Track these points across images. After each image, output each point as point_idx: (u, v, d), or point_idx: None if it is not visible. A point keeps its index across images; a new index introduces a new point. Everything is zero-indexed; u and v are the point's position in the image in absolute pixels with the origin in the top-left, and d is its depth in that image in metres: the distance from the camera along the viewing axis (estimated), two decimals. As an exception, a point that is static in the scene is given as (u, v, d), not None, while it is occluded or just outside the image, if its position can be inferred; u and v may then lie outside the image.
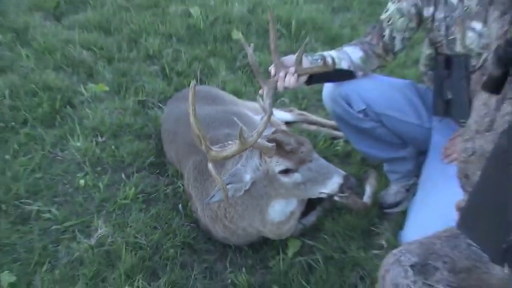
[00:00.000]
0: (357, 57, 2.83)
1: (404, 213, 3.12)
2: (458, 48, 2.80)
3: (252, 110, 3.57)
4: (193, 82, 2.28)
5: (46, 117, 3.77)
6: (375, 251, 2.94)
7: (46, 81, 4.03)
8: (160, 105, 3.96)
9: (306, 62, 2.65)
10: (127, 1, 5.29)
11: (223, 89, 4.04)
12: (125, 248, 2.90)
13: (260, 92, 2.65)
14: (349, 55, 2.81)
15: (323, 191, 2.56)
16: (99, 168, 3.44)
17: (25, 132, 3.62)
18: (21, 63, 4.28)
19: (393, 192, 3.24)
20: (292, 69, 2.56)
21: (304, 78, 2.65)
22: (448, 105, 2.84)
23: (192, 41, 4.74)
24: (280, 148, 2.49)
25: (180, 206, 3.19)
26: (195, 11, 5.03)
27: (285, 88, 2.61)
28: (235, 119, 2.74)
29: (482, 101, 2.03)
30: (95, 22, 4.88)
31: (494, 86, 1.80)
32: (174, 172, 3.38)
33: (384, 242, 2.99)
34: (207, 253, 2.96)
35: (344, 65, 2.78)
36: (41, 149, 3.53)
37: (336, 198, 2.62)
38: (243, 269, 2.85)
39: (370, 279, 2.80)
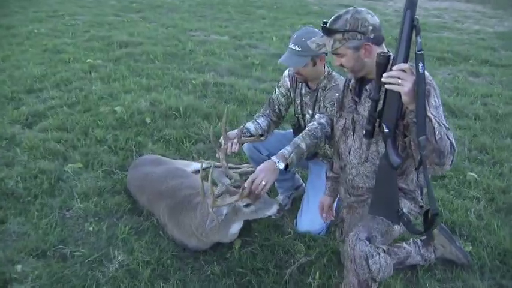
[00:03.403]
0: (265, 125, 2.94)
1: (292, 211, 3.23)
2: (302, 122, 3.01)
3: (182, 165, 3.54)
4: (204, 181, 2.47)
5: (48, 190, 3.42)
6: (286, 236, 2.96)
7: (41, 167, 3.67)
8: (117, 171, 3.72)
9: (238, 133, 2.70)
10: (70, 109, 4.88)
11: (154, 154, 3.89)
12: (140, 265, 2.68)
13: (217, 155, 2.67)
14: (260, 125, 2.91)
15: (267, 213, 2.63)
16: (97, 218, 3.14)
17: (39, 202, 3.27)
18: (19, 158, 3.83)
19: (281, 199, 3.30)
20: (235, 141, 2.62)
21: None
22: None
23: (122, 127, 4.48)
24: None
25: (161, 232, 2.97)
26: (118, 109, 4.77)
27: (232, 152, 2.65)
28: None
29: (356, 146, 2.24)
30: (56, 126, 4.43)
31: (370, 135, 2.01)
32: (147, 212, 3.16)
33: (290, 230, 3.01)
34: (187, 258, 2.79)
35: (259, 132, 2.86)
36: (53, 212, 3.16)
37: (273, 216, 2.67)
38: (214, 262, 2.74)
39: (288, 253, 2.83)
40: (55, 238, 2.92)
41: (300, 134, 2.48)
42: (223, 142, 2.62)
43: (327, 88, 2.79)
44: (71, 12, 10.67)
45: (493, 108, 5.21)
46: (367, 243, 2.00)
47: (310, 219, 2.94)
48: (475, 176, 3.68)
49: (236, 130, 2.73)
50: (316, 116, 2.60)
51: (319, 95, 2.85)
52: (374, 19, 2.05)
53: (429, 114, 1.81)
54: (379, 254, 2.01)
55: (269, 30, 9.38)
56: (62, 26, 9.19)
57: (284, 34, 8.81)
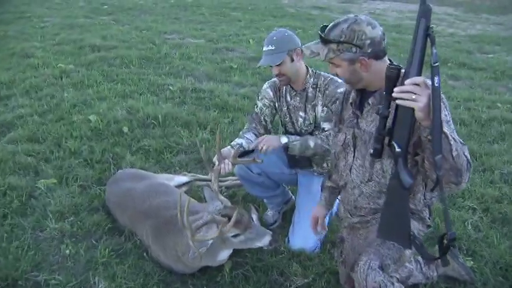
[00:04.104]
0: (253, 139, 2.77)
1: (284, 227, 3.06)
2: (291, 130, 2.86)
3: (165, 179, 3.32)
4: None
5: (19, 209, 3.15)
6: (280, 256, 2.76)
7: (10, 183, 3.38)
8: (94, 186, 3.46)
9: (230, 151, 2.55)
10: (41, 118, 4.58)
11: (133, 167, 3.67)
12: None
13: (209, 176, 2.48)
14: (250, 140, 2.76)
15: (258, 244, 2.43)
16: (74, 239, 2.89)
17: (8, 223, 2.99)
18: (-15, 174, 3.52)
19: (271, 215, 3.14)
20: (227, 161, 2.46)
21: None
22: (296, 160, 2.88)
23: (97, 138, 4.20)
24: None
25: (144, 254, 2.74)
26: (92, 117, 4.47)
27: (225, 173, 2.48)
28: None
29: (359, 164, 2.07)
30: (26, 136, 4.12)
31: (379, 155, 1.85)
32: (128, 232, 2.92)
33: (283, 249, 2.81)
34: (174, 283, 2.57)
35: (250, 147, 2.69)
36: (25, 233, 2.90)
37: (265, 248, 2.46)
38: (204, 287, 2.53)
39: (283, 275, 2.64)
40: (28, 264, 2.66)
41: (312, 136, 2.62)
42: (216, 162, 2.45)
43: (322, 85, 2.72)
44: (40, 14, 10.28)
45: (477, 113, 5.15)
46: (381, 272, 1.83)
47: (303, 236, 2.78)
48: (468, 184, 3.58)
49: (228, 147, 2.59)
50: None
51: (309, 94, 2.77)
52: (374, 32, 1.88)
53: (444, 130, 1.67)
54: (393, 284, 1.84)
55: (246, 33, 9.20)
56: (31, 29, 8.82)
57: (261, 36, 8.62)
